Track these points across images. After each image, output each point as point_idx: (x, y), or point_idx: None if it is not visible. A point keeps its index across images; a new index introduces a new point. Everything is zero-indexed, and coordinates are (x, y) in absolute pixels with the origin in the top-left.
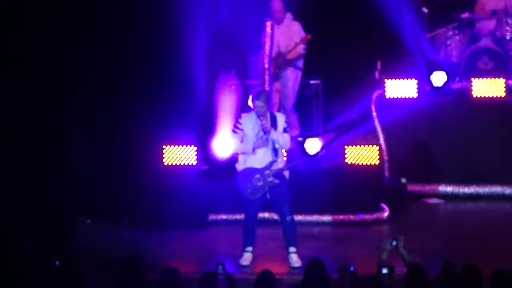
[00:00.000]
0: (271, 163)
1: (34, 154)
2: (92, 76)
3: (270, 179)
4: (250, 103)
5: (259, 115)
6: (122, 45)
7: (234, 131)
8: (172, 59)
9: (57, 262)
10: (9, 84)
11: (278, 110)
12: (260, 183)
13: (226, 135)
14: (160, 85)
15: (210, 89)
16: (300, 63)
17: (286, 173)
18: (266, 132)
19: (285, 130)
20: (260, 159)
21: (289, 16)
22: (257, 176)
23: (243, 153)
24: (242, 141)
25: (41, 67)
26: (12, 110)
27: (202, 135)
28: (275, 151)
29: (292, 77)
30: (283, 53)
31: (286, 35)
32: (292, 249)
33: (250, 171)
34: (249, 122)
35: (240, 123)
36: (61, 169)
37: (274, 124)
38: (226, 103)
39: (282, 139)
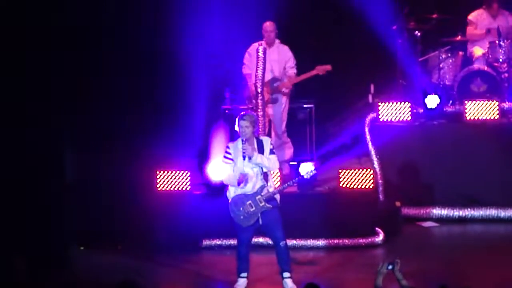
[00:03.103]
0: (262, 188)
1: (27, 179)
2: (86, 101)
3: (262, 203)
4: (236, 126)
5: (243, 138)
6: (117, 70)
7: (224, 161)
8: (166, 85)
9: None
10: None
11: (269, 135)
12: (253, 209)
13: (219, 159)
14: (153, 111)
15: (204, 114)
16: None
17: (277, 197)
18: (247, 157)
19: (271, 152)
20: (250, 185)
21: (277, 40)
22: (249, 202)
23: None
24: (233, 170)
25: (37, 90)
26: (4, 136)
27: (196, 160)
28: (265, 176)
29: (284, 102)
30: (277, 78)
31: (278, 59)
32: (286, 274)
33: (242, 198)
34: (237, 149)
35: (229, 153)
36: (55, 194)
37: (260, 148)
38: (219, 128)
39: (268, 162)
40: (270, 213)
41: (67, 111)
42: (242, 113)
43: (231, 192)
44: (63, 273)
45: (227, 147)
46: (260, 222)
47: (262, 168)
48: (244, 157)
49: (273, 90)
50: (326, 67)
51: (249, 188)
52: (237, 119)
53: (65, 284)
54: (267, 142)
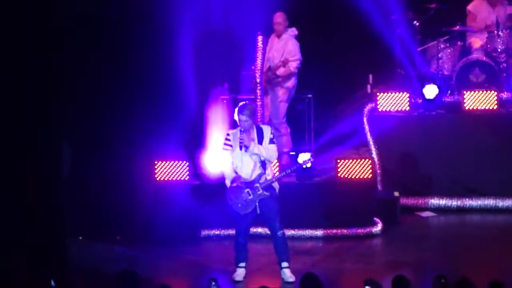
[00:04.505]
0: (260, 176)
1: (25, 171)
2: (84, 93)
3: (260, 191)
4: (235, 117)
5: (244, 129)
6: (114, 61)
7: (224, 148)
8: (164, 75)
9: (53, 283)
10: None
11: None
12: (250, 197)
13: (217, 150)
14: (152, 101)
15: (202, 104)
16: (291, 82)
17: (276, 185)
18: (243, 147)
19: (271, 141)
20: (248, 173)
21: (291, 32)
22: (247, 190)
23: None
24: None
25: (36, 88)
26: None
27: (194, 151)
28: (263, 164)
29: (281, 93)
30: (274, 68)
31: (281, 50)
32: (284, 264)
33: (240, 186)
34: (236, 138)
35: (229, 140)
36: (53, 186)
37: (260, 136)
38: (218, 118)
39: (266, 151)
40: (268, 203)
41: (64, 103)
42: (241, 104)
43: (229, 180)
44: (62, 263)
45: (228, 134)
46: (258, 211)
47: (260, 156)
48: (241, 148)
49: (270, 80)
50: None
51: (247, 176)
52: (236, 110)
53: (64, 274)
54: (267, 131)
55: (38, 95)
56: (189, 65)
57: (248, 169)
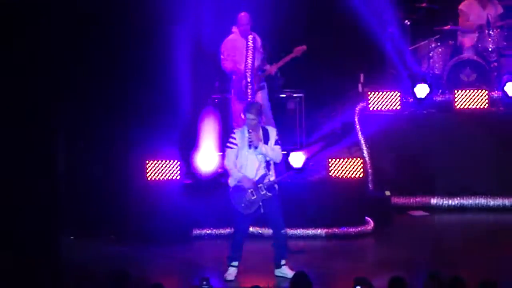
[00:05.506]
0: (264, 176)
1: (18, 168)
2: (77, 91)
3: (263, 192)
4: (242, 116)
5: (250, 128)
6: (111, 60)
7: (229, 147)
8: (156, 74)
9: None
10: None
11: None
12: (254, 197)
13: (208, 149)
14: (143, 100)
15: (193, 103)
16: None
17: (276, 185)
18: (251, 146)
19: (276, 143)
20: (253, 173)
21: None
22: (251, 190)
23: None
24: (237, 157)
25: (33, 87)
26: None
27: (185, 150)
28: (267, 164)
29: (266, 89)
30: (260, 66)
31: (255, 47)
32: (284, 261)
33: (243, 186)
34: (242, 137)
35: (234, 138)
36: (45, 185)
37: (266, 137)
38: (209, 117)
39: (272, 152)
40: (271, 202)
41: (57, 102)
42: (248, 103)
43: (233, 180)
44: (54, 263)
45: (233, 132)
46: (262, 210)
47: (265, 156)
48: (250, 146)
49: (260, 77)
50: (302, 48)
51: (251, 176)
52: (243, 109)
53: (56, 274)
54: (272, 132)
55: (35, 95)
56: (181, 64)
57: (252, 169)
